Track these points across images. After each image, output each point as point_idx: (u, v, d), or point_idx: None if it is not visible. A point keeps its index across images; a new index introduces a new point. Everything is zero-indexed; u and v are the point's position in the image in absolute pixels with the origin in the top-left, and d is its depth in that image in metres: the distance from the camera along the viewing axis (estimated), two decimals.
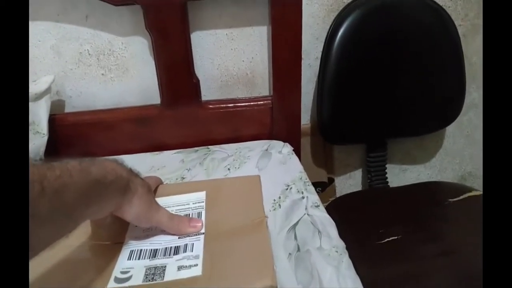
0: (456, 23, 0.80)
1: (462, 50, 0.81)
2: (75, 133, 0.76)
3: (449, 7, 0.83)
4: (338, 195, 1.01)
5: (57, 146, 0.74)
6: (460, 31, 0.81)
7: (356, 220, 0.77)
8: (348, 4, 0.78)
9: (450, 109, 0.87)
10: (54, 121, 0.73)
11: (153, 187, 0.47)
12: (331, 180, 0.99)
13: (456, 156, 1.04)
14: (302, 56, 0.73)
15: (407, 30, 0.79)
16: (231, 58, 0.79)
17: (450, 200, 0.80)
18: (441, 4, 0.79)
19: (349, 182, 1.02)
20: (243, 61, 0.80)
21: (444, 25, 0.79)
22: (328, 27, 0.79)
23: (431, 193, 0.86)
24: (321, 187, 0.97)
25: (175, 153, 0.74)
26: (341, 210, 0.80)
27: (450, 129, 0.98)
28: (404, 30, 0.79)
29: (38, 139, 0.69)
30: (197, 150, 0.75)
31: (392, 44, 0.79)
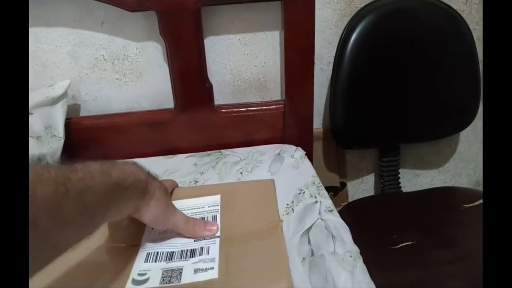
0: (470, 27, 0.79)
1: (476, 54, 0.80)
2: (90, 136, 0.77)
3: (463, 11, 0.82)
4: (350, 199, 1.00)
5: (72, 149, 0.75)
6: (475, 35, 0.80)
7: (369, 225, 0.76)
8: (361, 9, 0.78)
9: (465, 113, 0.86)
10: (70, 124, 0.75)
11: (169, 190, 0.48)
12: (343, 185, 0.98)
13: (470, 161, 1.02)
14: (315, 61, 0.73)
15: (421, 35, 0.78)
16: (243, 63, 0.80)
17: (465, 205, 0.79)
18: (455, 8, 0.79)
19: (362, 187, 1.01)
20: (255, 65, 0.81)
21: (458, 29, 0.79)
22: (341, 31, 0.79)
23: (445, 198, 0.85)
24: (333, 191, 0.97)
25: (188, 156, 0.75)
26: (354, 215, 0.80)
27: (464, 133, 0.97)
28: (418, 35, 0.78)
29: (54, 143, 0.70)
30: (210, 154, 0.75)
31: (405, 48, 0.79)
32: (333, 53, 0.80)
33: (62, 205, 0.27)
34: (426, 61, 0.80)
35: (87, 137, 0.77)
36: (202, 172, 0.69)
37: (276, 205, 0.46)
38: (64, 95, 0.72)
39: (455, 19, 0.78)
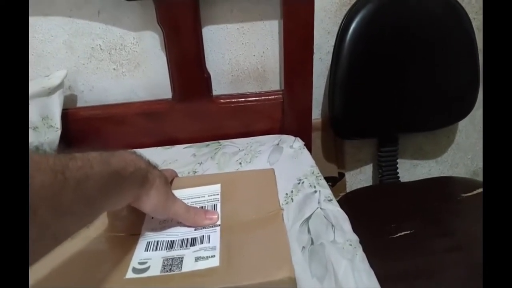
0: (470, 16, 0.79)
1: (476, 44, 0.80)
2: (87, 127, 0.76)
3: (463, 0, 0.82)
4: (348, 190, 1.00)
5: (70, 140, 0.75)
6: (475, 24, 0.80)
7: (368, 214, 0.77)
8: None
9: (463, 103, 0.86)
10: (67, 115, 0.74)
11: (169, 180, 0.47)
12: (342, 175, 0.98)
13: (468, 151, 1.03)
14: (314, 50, 0.73)
15: (420, 24, 0.78)
16: (242, 52, 0.79)
17: (463, 195, 0.79)
18: None
19: (360, 177, 1.01)
20: (254, 55, 0.80)
21: (458, 18, 0.78)
22: (340, 21, 0.78)
23: (443, 188, 0.86)
24: (332, 182, 0.97)
25: (186, 147, 0.75)
26: (352, 205, 0.80)
27: (462, 123, 0.97)
28: (417, 24, 0.78)
29: (51, 133, 0.69)
30: (208, 145, 0.75)
31: (405, 38, 0.78)
32: (332, 43, 0.80)
33: (61, 194, 0.27)
34: (426, 50, 0.80)
35: (84, 128, 0.76)
36: (201, 163, 0.68)
37: (277, 194, 0.46)
38: (60, 86, 0.71)
39: (455, 8, 0.78)
